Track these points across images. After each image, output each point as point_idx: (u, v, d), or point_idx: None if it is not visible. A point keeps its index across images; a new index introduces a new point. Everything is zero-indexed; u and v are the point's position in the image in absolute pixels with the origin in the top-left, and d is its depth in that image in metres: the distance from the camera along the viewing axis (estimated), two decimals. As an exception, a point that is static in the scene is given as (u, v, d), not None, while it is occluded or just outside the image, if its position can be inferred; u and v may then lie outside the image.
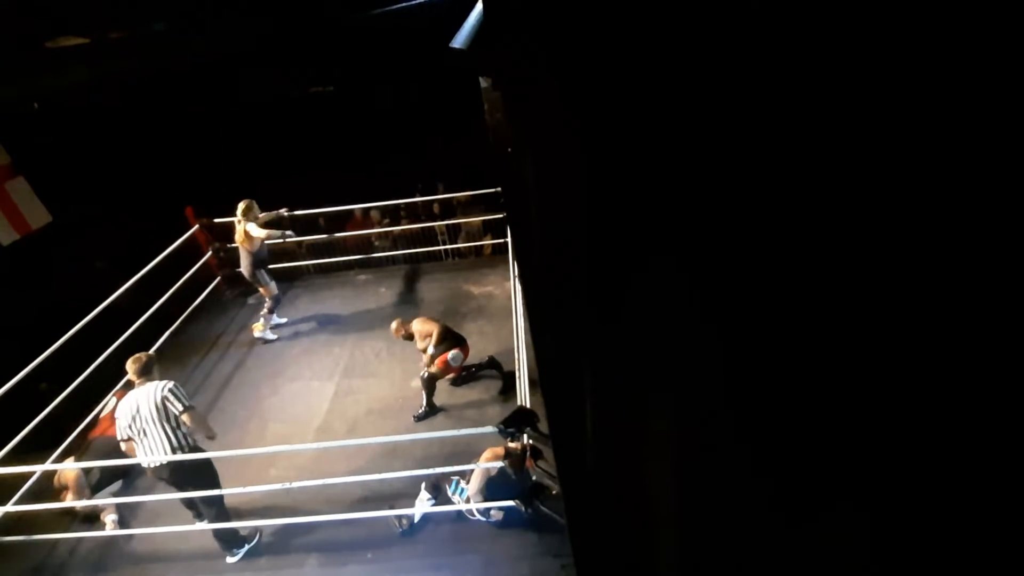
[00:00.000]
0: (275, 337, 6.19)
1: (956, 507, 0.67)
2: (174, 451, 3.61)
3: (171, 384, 3.72)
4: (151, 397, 3.64)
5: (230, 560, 3.88)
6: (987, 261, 0.56)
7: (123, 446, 3.73)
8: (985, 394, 0.61)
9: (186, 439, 3.68)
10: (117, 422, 3.69)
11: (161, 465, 3.63)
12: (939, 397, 0.64)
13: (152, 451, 3.61)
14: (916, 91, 0.54)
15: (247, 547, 3.94)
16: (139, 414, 3.63)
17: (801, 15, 0.58)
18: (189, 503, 3.97)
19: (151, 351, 4.04)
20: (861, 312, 0.67)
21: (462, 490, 3.90)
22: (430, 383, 4.87)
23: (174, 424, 3.63)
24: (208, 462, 3.82)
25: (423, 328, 5.07)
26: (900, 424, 0.69)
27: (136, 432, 3.62)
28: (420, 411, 4.90)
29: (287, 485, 3.97)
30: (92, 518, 4.30)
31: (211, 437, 3.84)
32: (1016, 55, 0.48)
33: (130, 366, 3.78)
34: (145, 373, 3.77)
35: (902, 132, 0.57)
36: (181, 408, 3.62)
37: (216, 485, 3.84)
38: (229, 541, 3.91)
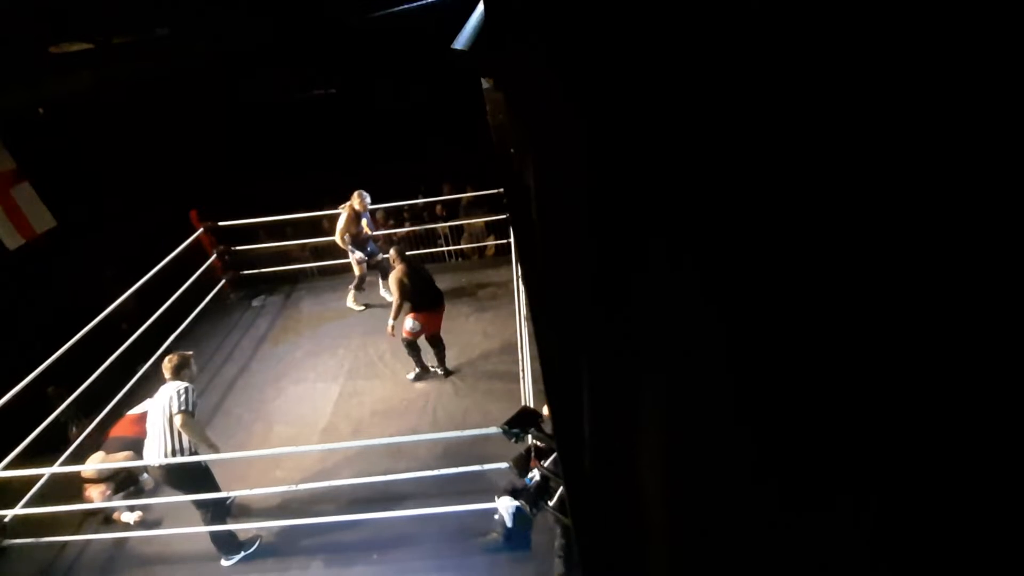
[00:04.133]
0: (360, 308, 6.61)
1: (955, 504, 0.67)
2: (173, 453, 3.60)
3: (184, 386, 3.71)
4: (165, 394, 3.68)
5: (224, 564, 3.88)
6: (986, 258, 0.56)
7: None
8: (985, 389, 0.61)
9: (183, 442, 3.65)
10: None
11: (157, 465, 3.65)
12: (938, 392, 0.64)
13: (151, 449, 3.64)
14: (914, 89, 0.55)
15: (243, 553, 3.93)
16: (152, 410, 3.70)
17: (800, 15, 0.58)
18: (196, 504, 3.98)
19: (189, 353, 3.99)
20: (863, 314, 0.67)
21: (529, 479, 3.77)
22: (409, 346, 5.17)
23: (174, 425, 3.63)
24: (201, 466, 3.77)
25: (393, 279, 4.98)
26: (899, 423, 0.69)
27: (148, 428, 3.69)
28: (413, 372, 5.29)
29: (292, 487, 3.99)
30: (107, 519, 4.33)
31: (210, 447, 3.77)
32: (1016, 55, 0.48)
33: (165, 365, 3.82)
34: (176, 372, 3.78)
35: (900, 130, 0.57)
36: (176, 410, 3.59)
37: (212, 489, 3.82)
38: (224, 545, 3.90)
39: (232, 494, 4.15)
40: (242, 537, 3.98)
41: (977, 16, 0.49)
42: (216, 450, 3.82)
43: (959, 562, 0.70)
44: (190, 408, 3.65)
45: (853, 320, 0.68)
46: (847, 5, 0.56)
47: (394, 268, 5.09)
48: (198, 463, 3.72)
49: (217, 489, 3.86)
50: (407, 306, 4.99)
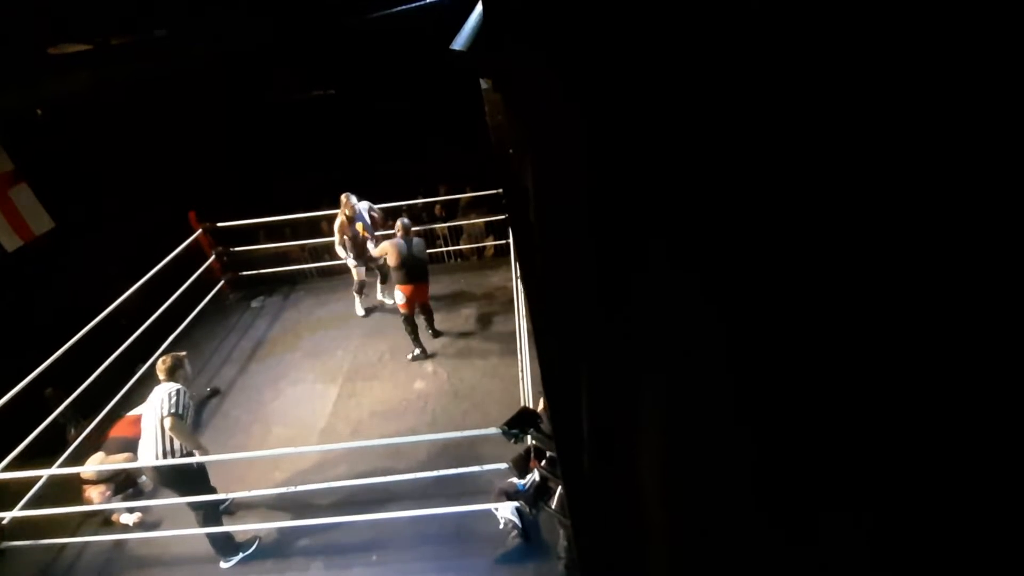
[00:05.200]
0: (362, 313, 6.54)
1: (955, 506, 0.67)
2: (165, 455, 3.59)
3: (176, 388, 3.68)
4: (157, 396, 3.66)
5: (223, 566, 3.87)
6: (986, 260, 0.56)
7: None
8: (985, 391, 0.61)
9: (175, 444, 3.62)
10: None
11: (151, 467, 3.66)
12: (938, 394, 0.64)
13: (145, 451, 3.64)
14: (914, 89, 0.55)
15: (241, 555, 3.92)
16: (146, 412, 3.70)
17: (800, 15, 0.58)
18: (191, 505, 3.97)
19: (182, 354, 3.94)
20: (863, 315, 0.67)
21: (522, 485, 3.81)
22: (406, 322, 5.59)
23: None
24: (194, 468, 3.76)
25: (383, 245, 5.48)
26: (899, 424, 0.69)
27: (142, 429, 3.69)
28: (411, 353, 5.65)
29: (292, 488, 3.98)
30: (107, 520, 4.32)
31: (199, 450, 3.74)
32: (1016, 55, 0.48)
33: (158, 366, 3.79)
34: (169, 374, 3.75)
35: (899, 130, 0.57)
36: (165, 412, 3.57)
37: (206, 491, 3.80)
38: (222, 547, 3.89)
39: (231, 495, 4.14)
40: (240, 539, 3.98)
41: (977, 16, 0.49)
42: (205, 453, 3.80)
43: (959, 563, 0.69)
44: (180, 411, 3.61)
45: (853, 321, 0.68)
46: (847, 5, 0.56)
47: (394, 236, 5.50)
48: (191, 464, 3.70)
49: (212, 491, 3.85)
50: (397, 276, 5.41)
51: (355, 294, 6.53)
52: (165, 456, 3.60)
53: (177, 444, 3.63)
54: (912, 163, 0.57)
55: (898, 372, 0.67)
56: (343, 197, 6.05)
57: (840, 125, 0.60)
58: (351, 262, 6.18)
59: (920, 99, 0.55)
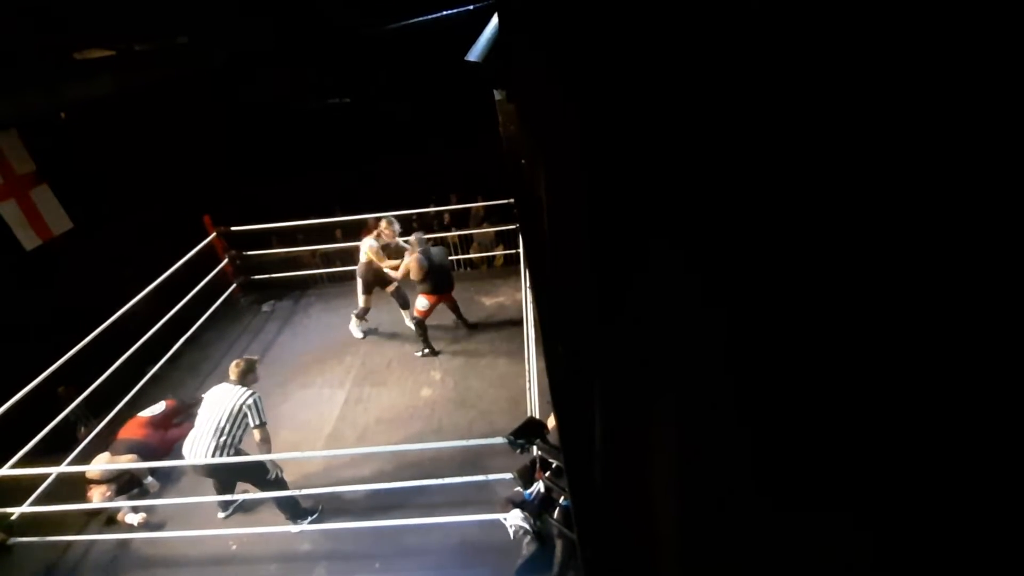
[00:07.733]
0: (361, 335, 6.33)
1: (963, 509, 0.66)
2: (220, 450, 3.77)
3: (257, 396, 3.92)
4: (234, 397, 3.87)
5: (294, 530, 4.01)
6: (988, 258, 0.56)
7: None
8: (986, 390, 0.60)
9: (232, 441, 3.83)
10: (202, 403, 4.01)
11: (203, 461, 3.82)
12: (943, 403, 0.64)
13: (196, 443, 3.80)
14: (915, 89, 0.55)
15: (310, 518, 4.09)
16: (212, 405, 3.87)
17: (800, 15, 0.58)
18: (220, 490, 4.17)
19: (255, 358, 4.27)
20: (868, 319, 0.66)
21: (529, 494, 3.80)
22: (418, 325, 5.65)
23: (239, 431, 3.83)
24: (253, 463, 3.96)
25: (405, 264, 5.44)
26: (906, 429, 0.68)
27: (199, 421, 3.87)
28: (420, 351, 5.74)
29: (296, 492, 3.99)
30: (110, 519, 4.35)
31: (269, 452, 4.00)
32: (1016, 55, 0.48)
33: (232, 369, 4.02)
34: (242, 377, 4.00)
35: (900, 129, 0.57)
36: (257, 423, 3.86)
37: (265, 472, 3.97)
38: (292, 512, 4.06)
39: (237, 497, 4.16)
40: (306, 505, 4.15)
41: (977, 16, 0.49)
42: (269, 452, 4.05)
43: (965, 565, 0.68)
44: (266, 419, 3.92)
45: (858, 319, 0.67)
46: (847, 5, 0.56)
47: (411, 254, 5.43)
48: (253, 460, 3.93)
49: (267, 470, 4.00)
50: (423, 287, 5.46)
51: (355, 317, 6.23)
52: (221, 451, 3.78)
53: (231, 442, 3.81)
54: (914, 163, 0.57)
55: (908, 377, 0.66)
56: (387, 222, 5.65)
57: (841, 126, 0.60)
58: (360, 289, 5.94)
59: (921, 98, 0.55)
